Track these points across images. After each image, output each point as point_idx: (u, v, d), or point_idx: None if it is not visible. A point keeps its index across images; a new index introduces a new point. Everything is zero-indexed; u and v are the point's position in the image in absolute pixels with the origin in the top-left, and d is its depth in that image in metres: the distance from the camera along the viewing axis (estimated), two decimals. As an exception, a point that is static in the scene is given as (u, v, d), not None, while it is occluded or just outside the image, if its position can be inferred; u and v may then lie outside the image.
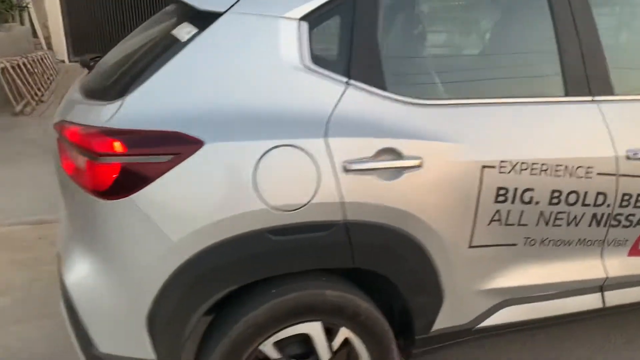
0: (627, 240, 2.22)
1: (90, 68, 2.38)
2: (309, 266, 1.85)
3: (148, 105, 1.71)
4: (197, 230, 1.69)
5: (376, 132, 1.81)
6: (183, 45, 1.77)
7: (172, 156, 1.65)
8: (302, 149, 1.73)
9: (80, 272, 1.78)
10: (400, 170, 1.82)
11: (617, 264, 2.24)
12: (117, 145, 1.64)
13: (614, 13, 2.02)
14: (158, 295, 1.72)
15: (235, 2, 1.79)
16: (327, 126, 1.76)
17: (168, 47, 1.81)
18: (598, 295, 2.26)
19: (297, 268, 1.84)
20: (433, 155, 1.85)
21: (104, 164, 1.65)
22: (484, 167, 1.91)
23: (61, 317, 1.97)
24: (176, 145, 1.66)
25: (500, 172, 1.93)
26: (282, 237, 1.75)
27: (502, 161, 1.93)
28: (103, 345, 1.78)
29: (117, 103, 1.71)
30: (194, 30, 1.80)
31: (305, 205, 1.74)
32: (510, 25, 2.12)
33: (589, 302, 2.25)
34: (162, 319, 1.75)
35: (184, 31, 1.82)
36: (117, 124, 1.68)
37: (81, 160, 1.71)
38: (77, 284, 1.78)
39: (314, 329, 1.89)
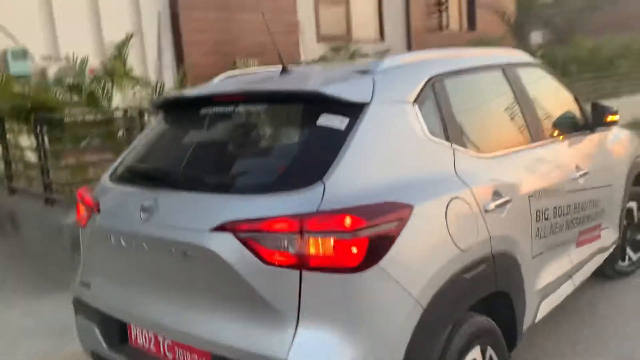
0: (574, 237, 3.14)
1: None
2: (476, 298, 2.21)
3: (349, 184, 1.92)
4: (428, 282, 1.94)
5: (483, 180, 2.34)
6: (347, 132, 2.03)
7: (398, 222, 1.88)
8: (463, 199, 2.15)
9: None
10: (504, 205, 2.37)
11: (574, 254, 3.13)
12: (359, 221, 1.80)
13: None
14: (405, 355, 1.86)
15: (374, 93, 2.14)
16: (462, 179, 2.22)
17: (329, 135, 2.04)
18: (570, 280, 3.10)
19: (473, 301, 2.18)
20: (513, 192, 2.46)
21: (355, 239, 1.78)
22: (529, 196, 2.59)
23: None
24: (399, 211, 1.91)
25: (535, 199, 2.64)
26: (467, 274, 2.11)
27: (534, 190, 2.65)
28: None
29: (317, 189, 1.87)
30: (345, 118, 2.06)
31: (476, 243, 2.14)
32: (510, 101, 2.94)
33: (568, 286, 3.07)
34: None
35: (335, 121, 2.07)
36: (336, 204, 1.84)
37: (320, 244, 1.78)
38: None
39: (477, 353, 2.22)
